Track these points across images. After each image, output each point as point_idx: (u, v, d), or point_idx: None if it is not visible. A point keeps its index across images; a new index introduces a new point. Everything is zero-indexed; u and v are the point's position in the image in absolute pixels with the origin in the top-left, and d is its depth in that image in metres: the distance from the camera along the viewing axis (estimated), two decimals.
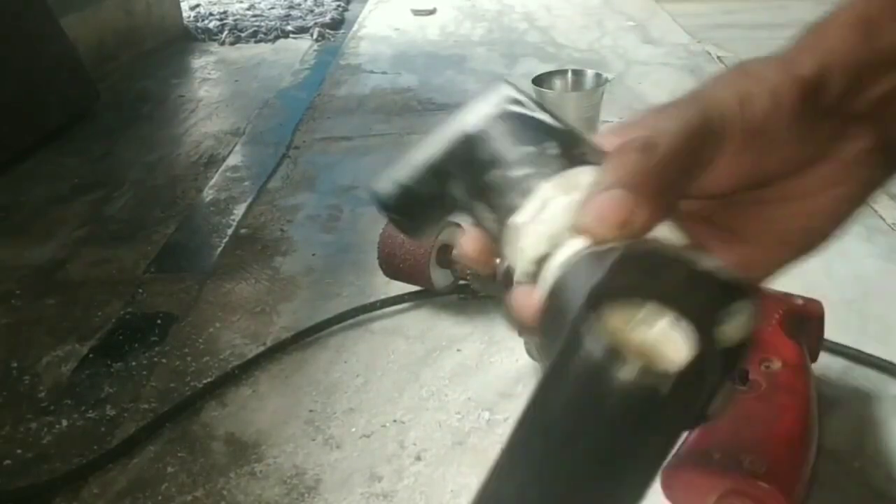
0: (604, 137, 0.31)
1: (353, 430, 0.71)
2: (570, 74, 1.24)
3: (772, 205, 0.30)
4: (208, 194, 1.24)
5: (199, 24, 2.23)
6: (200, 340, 0.87)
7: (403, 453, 0.69)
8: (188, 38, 2.17)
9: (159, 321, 0.91)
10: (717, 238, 0.31)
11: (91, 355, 0.86)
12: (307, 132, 1.46)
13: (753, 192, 0.29)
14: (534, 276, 0.27)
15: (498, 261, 0.31)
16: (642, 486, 0.23)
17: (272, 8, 2.41)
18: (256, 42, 2.13)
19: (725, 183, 0.29)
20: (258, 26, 2.19)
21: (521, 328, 0.28)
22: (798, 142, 0.28)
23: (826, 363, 0.73)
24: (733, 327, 0.22)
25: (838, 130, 0.28)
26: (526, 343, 0.75)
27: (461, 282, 0.88)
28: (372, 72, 1.82)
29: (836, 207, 0.29)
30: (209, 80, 1.85)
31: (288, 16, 2.31)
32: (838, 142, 0.28)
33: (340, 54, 1.98)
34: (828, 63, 0.27)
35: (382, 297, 0.89)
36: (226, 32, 2.15)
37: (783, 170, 0.28)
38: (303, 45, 2.09)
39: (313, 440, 0.70)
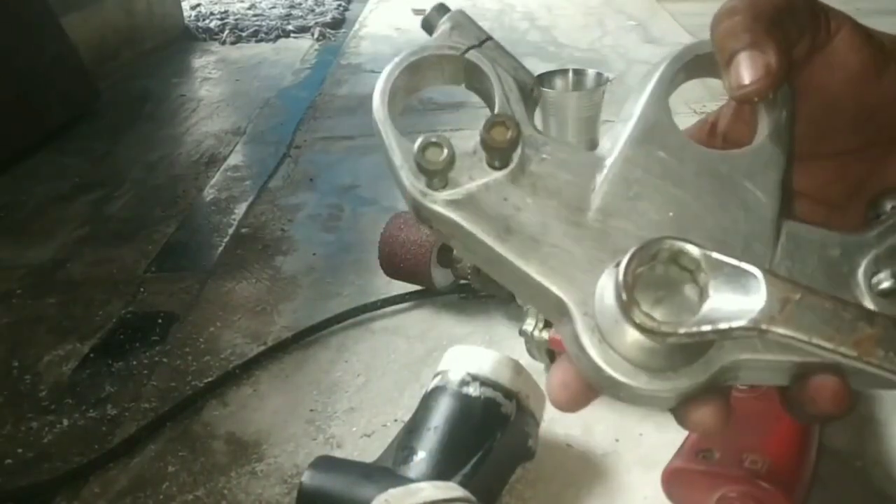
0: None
1: (354, 429, 0.71)
2: (570, 74, 1.23)
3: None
4: (209, 193, 1.24)
5: (199, 24, 2.23)
6: (201, 340, 0.87)
7: None
8: (189, 38, 2.17)
9: (160, 320, 0.91)
10: (831, 210, 0.32)
11: (92, 354, 0.86)
12: (308, 131, 1.46)
13: (865, 155, 0.30)
14: None
15: None
16: None
17: (273, 7, 2.41)
18: (257, 41, 2.13)
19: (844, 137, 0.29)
20: (259, 26, 2.19)
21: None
22: None
23: None
24: None
25: None
26: (526, 343, 0.75)
27: (462, 281, 0.88)
28: (373, 71, 1.82)
29: None
30: (210, 79, 1.85)
31: (289, 15, 2.31)
32: None
33: (341, 54, 1.98)
34: None
35: (383, 296, 0.89)
36: (227, 32, 2.16)
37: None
38: (304, 45, 2.09)
39: (314, 440, 0.71)
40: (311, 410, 0.74)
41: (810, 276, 0.28)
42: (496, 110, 0.29)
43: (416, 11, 2.31)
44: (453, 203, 0.29)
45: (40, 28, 1.49)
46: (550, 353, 0.73)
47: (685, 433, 0.57)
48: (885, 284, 0.28)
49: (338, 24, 2.26)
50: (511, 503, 0.62)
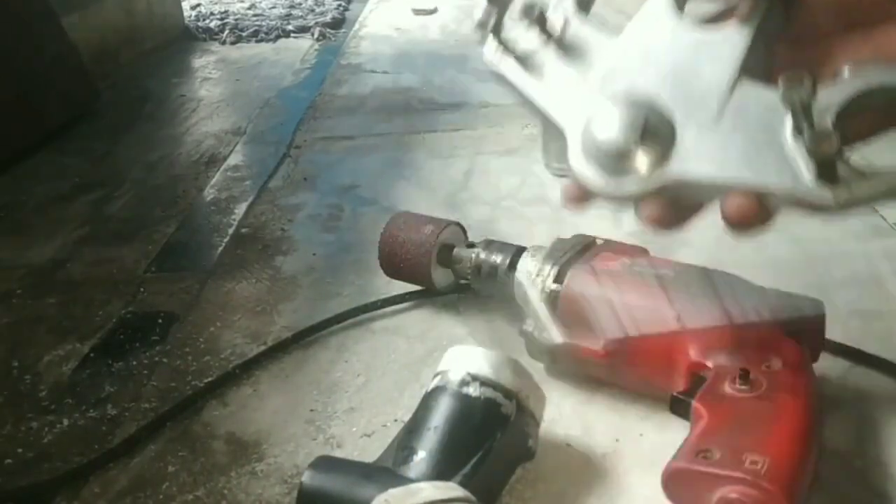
0: None
1: (354, 429, 0.71)
2: None
3: None
4: (209, 193, 1.24)
5: (199, 24, 2.23)
6: (201, 340, 0.87)
7: None
8: (189, 38, 2.17)
9: (160, 320, 0.91)
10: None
11: (92, 354, 0.86)
12: (308, 131, 1.46)
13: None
14: None
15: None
16: None
17: (273, 7, 2.41)
18: (257, 41, 2.13)
19: None
20: (259, 26, 2.19)
21: None
22: None
23: (827, 363, 0.73)
24: None
25: None
26: (527, 343, 0.75)
27: (462, 281, 0.88)
28: (373, 71, 1.82)
29: None
30: (210, 79, 1.85)
31: (289, 15, 2.31)
32: None
33: (341, 54, 1.98)
34: None
35: (383, 296, 0.89)
36: (227, 32, 2.15)
37: None
38: (304, 45, 2.09)
39: (314, 440, 0.71)
40: (311, 410, 0.74)
41: (750, 124, 0.38)
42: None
43: (417, 11, 2.31)
44: (515, 59, 0.47)
45: (40, 28, 1.49)
46: (551, 354, 0.73)
47: (685, 433, 0.57)
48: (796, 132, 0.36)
49: (338, 24, 2.26)
50: (511, 503, 0.62)
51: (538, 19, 0.44)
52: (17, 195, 1.27)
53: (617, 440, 0.68)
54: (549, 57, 0.44)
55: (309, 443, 0.70)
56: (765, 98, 0.37)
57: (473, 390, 0.60)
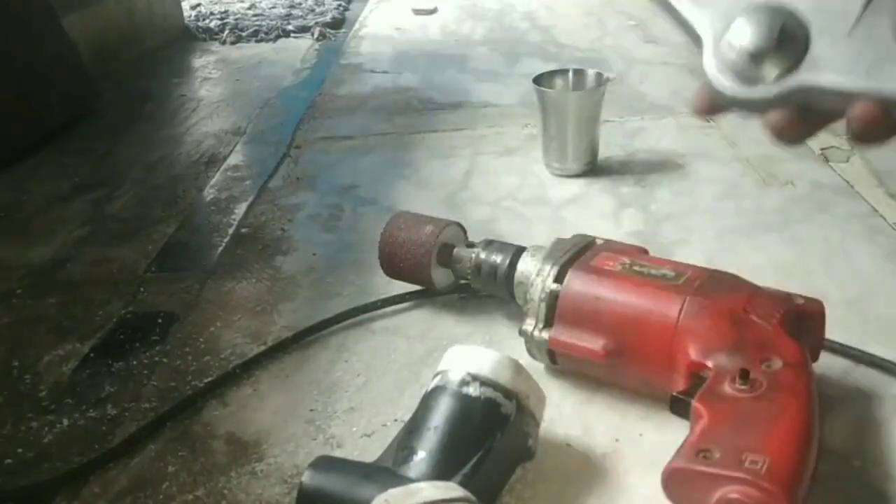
0: None
1: (354, 429, 0.71)
2: (571, 74, 1.23)
3: None
4: (209, 193, 1.24)
5: (199, 24, 2.23)
6: (201, 340, 0.87)
7: None
8: (189, 38, 2.17)
9: (160, 320, 0.91)
10: None
11: (92, 354, 0.86)
12: (308, 131, 1.46)
13: None
14: None
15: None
16: None
17: (273, 7, 2.40)
18: (257, 41, 2.13)
19: None
20: (259, 26, 2.19)
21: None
22: None
23: (827, 363, 0.73)
24: None
25: None
26: (526, 343, 0.75)
27: (462, 281, 0.88)
28: (373, 71, 1.82)
29: None
30: (210, 79, 1.85)
31: (289, 15, 2.31)
32: None
33: (341, 54, 1.98)
34: None
35: (383, 296, 0.89)
36: (227, 32, 2.15)
37: None
38: (304, 45, 2.09)
39: (314, 440, 0.71)
40: (311, 410, 0.74)
41: (883, 35, 0.38)
42: None
43: (417, 11, 2.31)
44: None
45: (40, 28, 1.49)
46: (550, 353, 0.73)
47: (685, 433, 0.57)
48: None
49: (338, 24, 2.26)
50: (511, 503, 0.62)
51: None
52: (17, 195, 1.27)
53: (617, 440, 0.68)
54: None
55: (309, 443, 0.70)
56: None
57: (473, 390, 0.60)
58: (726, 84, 0.41)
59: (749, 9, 0.41)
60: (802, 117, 0.42)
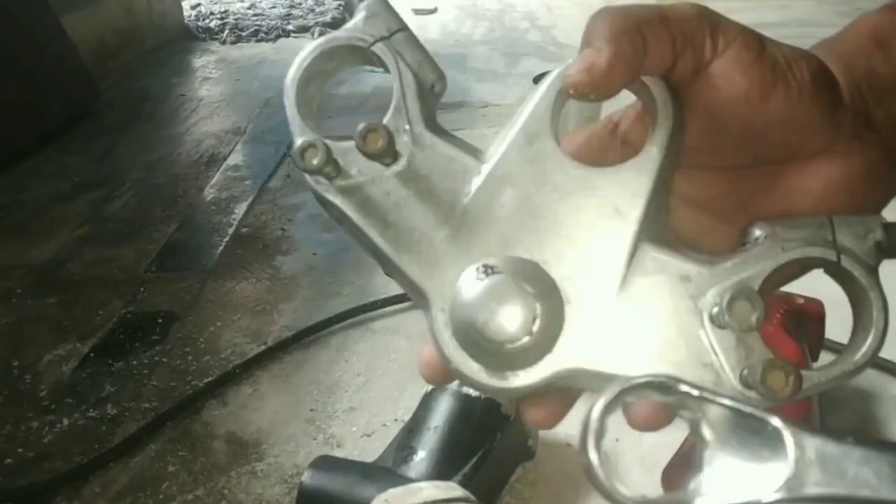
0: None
1: (354, 429, 0.71)
2: None
3: (775, 188, 0.30)
4: (209, 193, 1.24)
5: (199, 24, 2.23)
6: (201, 339, 0.87)
7: None
8: (189, 38, 2.17)
9: (160, 320, 0.91)
10: (718, 220, 0.31)
11: (92, 354, 0.86)
12: None
13: (757, 171, 0.30)
14: None
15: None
16: None
17: (273, 7, 2.41)
18: (257, 41, 2.13)
19: (728, 155, 0.30)
20: (259, 25, 2.19)
21: None
22: (806, 122, 0.27)
23: (827, 363, 0.73)
24: None
25: (850, 129, 0.28)
26: None
27: None
28: (373, 70, 1.81)
29: (832, 207, 0.29)
30: (210, 79, 1.85)
31: (289, 15, 2.31)
32: (850, 141, 0.28)
33: None
34: (846, 62, 0.28)
35: (383, 296, 0.89)
36: (227, 31, 2.16)
37: (788, 145, 0.29)
38: (304, 45, 2.09)
39: (314, 439, 0.71)
40: (312, 410, 0.74)
41: (655, 298, 0.29)
42: (392, 105, 0.32)
43: (417, 11, 2.31)
44: (342, 192, 0.31)
45: (40, 28, 1.49)
46: None
47: (685, 433, 0.57)
48: (719, 320, 0.29)
49: (338, 23, 2.26)
50: (511, 503, 0.62)
51: (375, 140, 0.30)
52: (18, 195, 1.27)
53: (617, 440, 0.68)
54: (392, 187, 0.31)
55: (309, 442, 0.70)
56: (676, 265, 0.29)
57: (473, 390, 0.60)
58: (471, 369, 0.29)
59: (485, 265, 0.29)
60: (564, 401, 0.31)
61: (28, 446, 0.73)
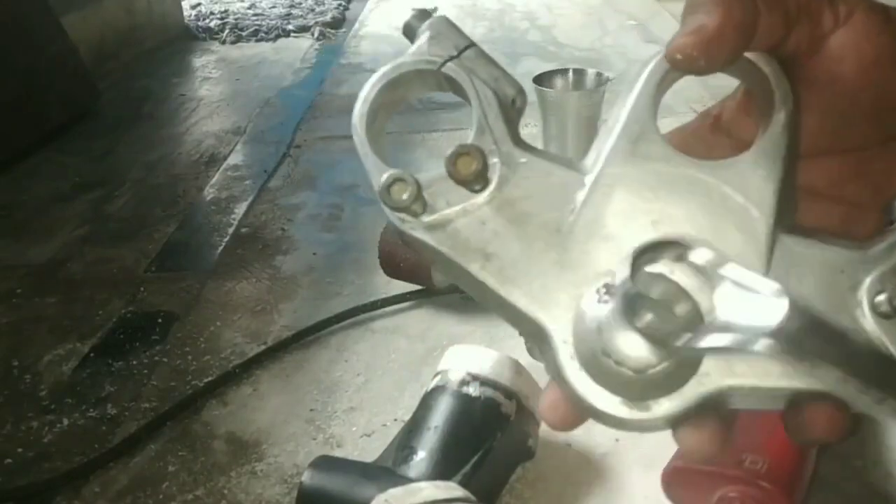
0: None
1: (354, 429, 0.71)
2: (570, 74, 1.23)
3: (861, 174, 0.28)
4: (209, 193, 1.24)
5: (199, 23, 2.23)
6: (201, 339, 0.87)
7: None
8: (189, 37, 2.17)
9: (160, 320, 0.91)
10: (848, 207, 0.29)
11: (92, 354, 0.86)
12: (308, 131, 1.46)
13: (888, 147, 0.27)
14: None
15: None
16: None
17: (273, 7, 2.40)
18: (257, 41, 2.13)
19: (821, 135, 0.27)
20: (259, 25, 2.19)
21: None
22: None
23: None
24: None
25: None
26: (527, 342, 0.74)
27: None
28: (374, 70, 1.81)
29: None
30: (210, 78, 1.85)
31: (289, 14, 2.31)
32: None
33: (341, 53, 1.98)
34: None
35: (383, 295, 0.89)
36: (227, 31, 2.15)
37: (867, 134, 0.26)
38: (304, 44, 2.09)
39: (314, 439, 0.71)
40: (311, 410, 0.74)
41: (807, 295, 0.27)
42: (473, 127, 0.29)
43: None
44: (432, 228, 0.28)
45: (40, 28, 1.49)
46: None
47: None
48: (885, 308, 0.26)
49: (338, 23, 2.26)
50: (511, 503, 0.62)
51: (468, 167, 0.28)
52: (17, 194, 1.27)
53: (617, 440, 0.68)
54: (487, 215, 0.28)
55: (309, 442, 0.70)
56: (821, 254, 0.27)
57: (473, 390, 0.60)
58: (608, 405, 0.26)
59: (610, 284, 0.26)
60: (722, 424, 0.27)
61: (28, 446, 0.73)
